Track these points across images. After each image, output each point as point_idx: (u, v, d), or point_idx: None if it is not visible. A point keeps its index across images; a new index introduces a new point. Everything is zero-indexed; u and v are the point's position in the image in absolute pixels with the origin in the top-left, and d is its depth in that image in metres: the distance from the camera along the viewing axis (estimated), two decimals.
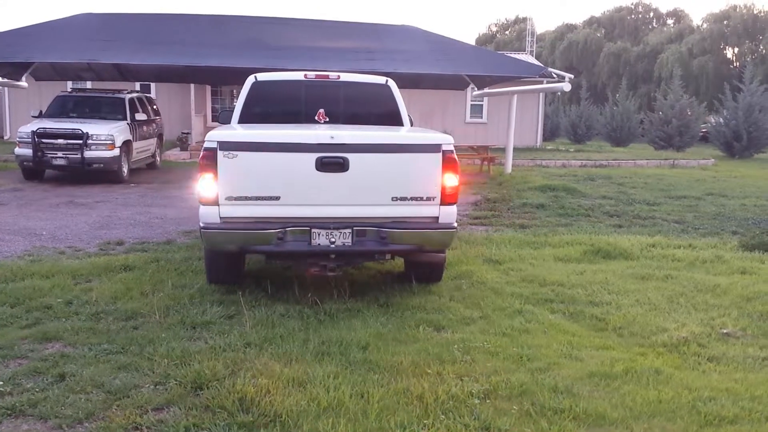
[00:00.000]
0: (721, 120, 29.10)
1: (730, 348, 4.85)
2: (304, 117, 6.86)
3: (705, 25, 52.87)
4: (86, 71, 18.42)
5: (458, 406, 3.79)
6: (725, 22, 50.41)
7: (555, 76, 25.58)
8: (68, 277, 6.31)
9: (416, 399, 3.84)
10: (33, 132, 13.47)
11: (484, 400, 3.87)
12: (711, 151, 29.18)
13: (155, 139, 17.30)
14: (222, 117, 7.59)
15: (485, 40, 71.88)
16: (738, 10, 50.77)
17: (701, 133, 31.91)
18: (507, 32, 73.16)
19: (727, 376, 4.33)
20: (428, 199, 5.50)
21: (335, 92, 7.11)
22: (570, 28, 63.37)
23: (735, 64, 50.03)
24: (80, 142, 13.50)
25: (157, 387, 3.97)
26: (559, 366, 4.41)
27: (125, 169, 14.56)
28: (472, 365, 4.40)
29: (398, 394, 3.89)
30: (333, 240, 5.36)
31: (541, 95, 28.66)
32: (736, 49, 51.31)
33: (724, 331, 5.20)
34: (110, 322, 5.11)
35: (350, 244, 5.40)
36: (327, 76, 7.08)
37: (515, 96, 17.63)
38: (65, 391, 3.87)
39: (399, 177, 5.48)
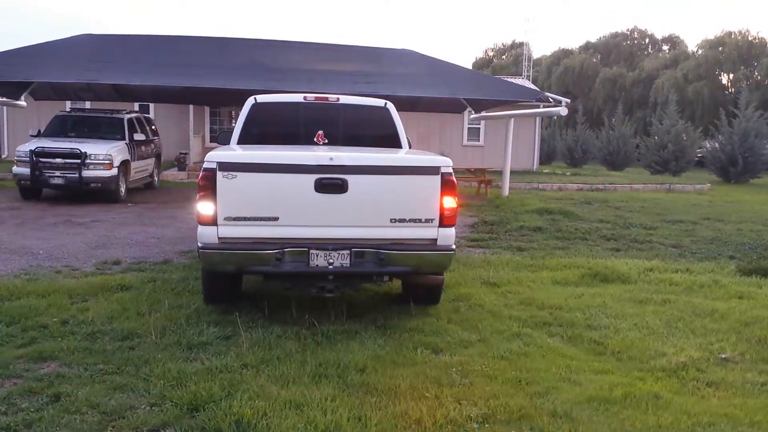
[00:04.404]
0: (717, 145, 29.27)
1: (728, 373, 4.83)
2: (304, 138, 6.87)
3: (700, 51, 53.36)
4: (85, 91, 18.51)
5: (457, 430, 3.76)
6: (720, 49, 50.89)
7: (551, 100, 25.67)
8: (64, 296, 6.28)
9: (414, 422, 3.81)
10: (31, 151, 13.49)
11: (483, 425, 3.85)
12: (707, 175, 29.31)
13: (153, 159, 17.32)
14: (221, 138, 7.61)
15: (482, 65, 72.40)
16: (733, 36, 51.31)
17: (697, 158, 32.08)
18: (504, 57, 73.79)
19: (727, 402, 4.31)
20: (427, 221, 5.51)
21: (334, 114, 7.14)
22: (566, 53, 63.86)
23: (730, 90, 50.45)
24: (78, 161, 13.52)
25: (153, 408, 3.94)
26: (558, 390, 4.39)
27: (123, 189, 14.56)
28: (471, 389, 4.37)
29: (396, 418, 3.86)
30: (331, 261, 5.35)
31: (538, 119, 28.82)
32: (731, 75, 51.74)
33: (723, 356, 5.18)
34: (106, 342, 5.08)
35: (348, 265, 5.39)
36: (326, 99, 7.12)
37: (512, 120, 17.72)
38: (60, 411, 3.84)
39: (398, 199, 5.49)
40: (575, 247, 10.21)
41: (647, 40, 65.07)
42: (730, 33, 51.96)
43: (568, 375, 4.68)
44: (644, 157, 31.96)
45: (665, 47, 63.10)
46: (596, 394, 4.31)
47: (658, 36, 64.63)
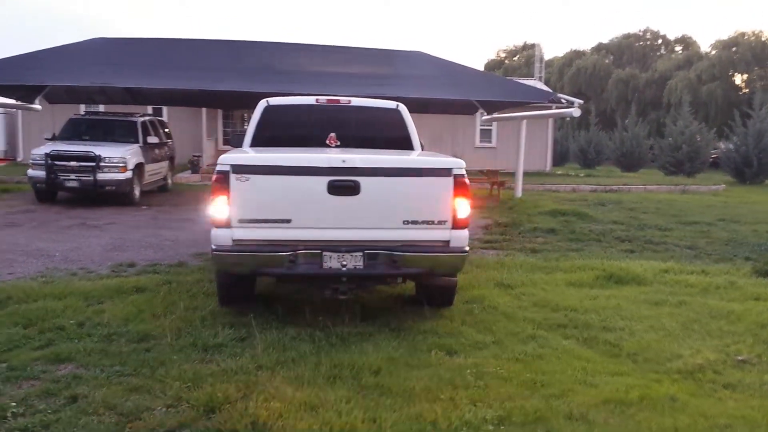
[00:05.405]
0: (731, 146, 29.10)
1: (745, 375, 4.79)
2: (316, 141, 6.89)
3: (713, 52, 52.94)
4: (99, 95, 18.66)
5: None
6: (733, 49, 50.47)
7: (564, 101, 25.70)
8: (80, 298, 6.32)
9: (429, 424, 3.81)
10: (46, 154, 13.61)
11: (498, 427, 3.84)
12: (721, 176, 29.08)
13: (167, 162, 17.42)
14: (234, 140, 7.62)
15: (494, 66, 72.21)
16: (746, 37, 50.87)
17: (711, 159, 31.88)
18: (515, 58, 73.50)
19: (744, 404, 4.28)
20: (439, 222, 5.50)
21: (346, 116, 7.15)
22: (578, 54, 63.56)
23: (744, 91, 50.02)
24: (93, 164, 13.63)
25: (170, 410, 3.96)
26: (574, 392, 4.37)
27: (137, 192, 14.66)
28: (486, 391, 4.36)
29: (411, 420, 3.86)
30: (344, 263, 5.36)
31: (551, 120, 28.74)
32: (745, 76, 51.31)
33: (740, 357, 5.14)
34: (122, 344, 5.11)
35: (361, 267, 5.39)
36: (338, 101, 7.13)
37: (525, 121, 17.67)
38: (77, 413, 3.87)
39: (410, 201, 5.49)
40: (589, 249, 10.16)
41: (660, 41, 64.62)
42: (743, 33, 51.53)
43: (583, 377, 4.66)
44: (658, 158, 31.81)
45: (678, 48, 62.64)
46: (612, 396, 4.29)
47: (671, 37, 64.18)
